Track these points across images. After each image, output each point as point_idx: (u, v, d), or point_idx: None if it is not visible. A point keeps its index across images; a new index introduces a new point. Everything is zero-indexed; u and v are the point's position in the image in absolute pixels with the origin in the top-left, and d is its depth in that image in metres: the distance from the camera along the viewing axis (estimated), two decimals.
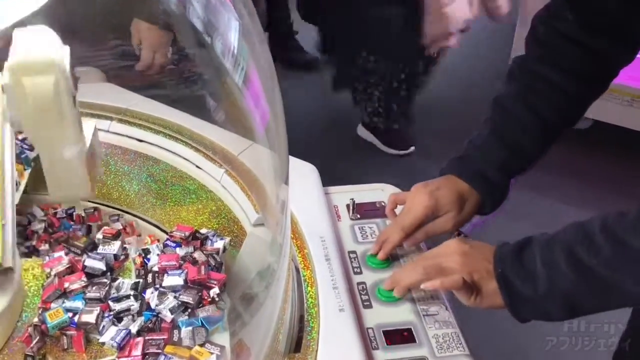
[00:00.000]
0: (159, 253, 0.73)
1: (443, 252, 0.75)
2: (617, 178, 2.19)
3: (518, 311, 0.69)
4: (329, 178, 0.98)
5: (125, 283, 0.68)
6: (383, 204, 0.92)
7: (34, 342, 0.62)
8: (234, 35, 0.68)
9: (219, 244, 0.75)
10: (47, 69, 0.66)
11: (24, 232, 0.78)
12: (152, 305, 0.65)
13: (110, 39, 1.07)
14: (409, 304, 0.75)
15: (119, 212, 0.82)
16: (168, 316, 0.64)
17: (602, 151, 2.32)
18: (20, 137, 0.81)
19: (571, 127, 0.88)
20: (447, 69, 2.43)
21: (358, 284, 0.78)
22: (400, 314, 0.74)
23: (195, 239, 0.76)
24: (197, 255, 0.72)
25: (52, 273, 0.68)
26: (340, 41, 2.26)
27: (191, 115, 0.97)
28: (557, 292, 0.66)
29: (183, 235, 0.75)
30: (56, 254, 0.71)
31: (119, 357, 0.61)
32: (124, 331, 0.63)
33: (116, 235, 0.74)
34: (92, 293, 0.66)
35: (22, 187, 0.78)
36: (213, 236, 0.77)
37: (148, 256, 0.72)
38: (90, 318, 0.63)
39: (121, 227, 0.80)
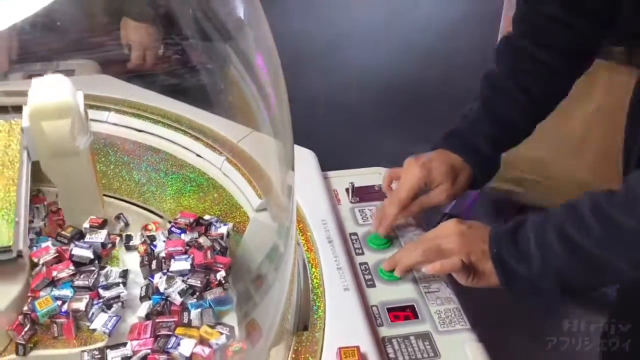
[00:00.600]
0: (165, 240, 0.74)
1: (441, 234, 0.76)
2: None
3: (513, 289, 0.71)
4: (327, 163, 0.99)
5: (114, 271, 0.69)
6: (381, 187, 0.93)
7: (25, 330, 0.62)
8: (235, 18, 0.68)
9: (223, 229, 0.76)
10: (64, 113, 0.72)
11: None
12: (161, 289, 0.66)
13: (104, 32, 1.08)
14: (411, 282, 0.77)
15: (121, 213, 0.82)
16: (177, 299, 0.66)
17: None
18: None
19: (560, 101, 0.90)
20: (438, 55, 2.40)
21: (360, 264, 0.80)
22: (403, 292, 0.76)
23: (200, 225, 0.77)
24: (202, 240, 0.74)
25: (40, 262, 0.69)
26: None
27: (192, 104, 0.97)
28: (550, 271, 0.68)
29: (187, 221, 0.76)
30: (43, 244, 0.72)
31: (130, 339, 0.62)
32: (114, 318, 0.64)
33: (102, 224, 0.75)
34: (81, 281, 0.66)
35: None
36: (217, 222, 0.78)
37: (154, 242, 0.73)
38: (80, 305, 0.64)
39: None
